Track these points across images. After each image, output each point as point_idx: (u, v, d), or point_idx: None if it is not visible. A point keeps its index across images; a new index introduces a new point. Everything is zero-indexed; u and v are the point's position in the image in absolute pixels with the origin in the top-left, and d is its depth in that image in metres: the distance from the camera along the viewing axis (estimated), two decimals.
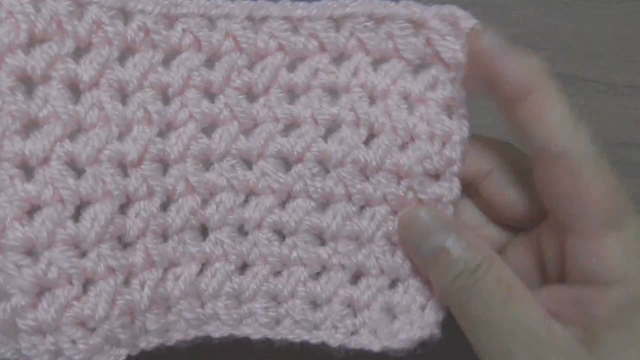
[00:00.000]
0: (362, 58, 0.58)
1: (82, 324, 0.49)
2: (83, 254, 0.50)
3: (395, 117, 0.55)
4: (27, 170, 0.49)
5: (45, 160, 0.49)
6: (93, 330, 0.50)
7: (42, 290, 0.48)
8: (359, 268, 0.57)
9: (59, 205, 0.49)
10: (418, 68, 0.56)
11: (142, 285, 0.53)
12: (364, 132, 0.56)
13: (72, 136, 0.50)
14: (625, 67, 0.77)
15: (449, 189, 0.56)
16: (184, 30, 0.56)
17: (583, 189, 0.46)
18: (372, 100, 0.55)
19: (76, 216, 0.50)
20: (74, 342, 0.49)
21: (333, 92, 0.57)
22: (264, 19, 0.56)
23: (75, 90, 0.51)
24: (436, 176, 0.56)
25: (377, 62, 0.58)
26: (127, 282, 0.52)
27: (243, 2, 0.56)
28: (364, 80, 0.57)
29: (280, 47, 0.55)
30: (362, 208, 0.57)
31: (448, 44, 0.53)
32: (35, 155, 0.48)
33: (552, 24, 0.77)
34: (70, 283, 0.49)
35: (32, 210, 0.48)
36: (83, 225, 0.50)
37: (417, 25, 0.54)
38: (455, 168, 0.56)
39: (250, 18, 0.56)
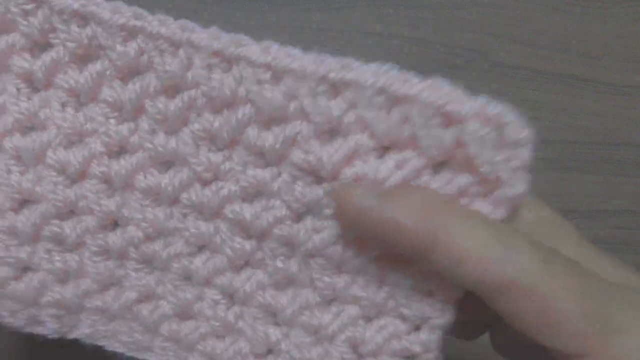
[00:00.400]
0: (363, 140, 0.46)
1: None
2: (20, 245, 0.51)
3: None
4: None
5: None
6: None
7: None
8: None
9: (1, 195, 0.50)
10: (438, 168, 0.45)
11: (76, 289, 0.53)
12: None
13: (25, 132, 0.50)
14: (625, 67, 0.76)
15: (441, 310, 0.47)
16: (141, 48, 0.48)
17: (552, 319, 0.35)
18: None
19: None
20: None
21: (315, 175, 0.47)
22: (236, 58, 0.46)
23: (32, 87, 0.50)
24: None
25: (384, 150, 0.46)
26: (63, 282, 0.53)
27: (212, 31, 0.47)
28: (361, 172, 0.46)
29: (251, 100, 0.47)
30: (327, 302, 0.51)
31: (489, 154, 0.41)
32: None
33: (552, 24, 0.75)
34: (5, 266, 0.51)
35: None
36: (19, 219, 0.51)
37: (447, 117, 0.43)
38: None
39: (217, 54, 0.46)
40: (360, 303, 0.49)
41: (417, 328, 0.49)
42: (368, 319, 0.50)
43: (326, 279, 0.50)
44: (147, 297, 0.55)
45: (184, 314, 0.54)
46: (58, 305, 0.55)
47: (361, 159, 0.46)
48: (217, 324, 0.53)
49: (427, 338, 0.48)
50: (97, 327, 0.56)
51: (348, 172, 0.46)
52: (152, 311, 0.55)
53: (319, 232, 0.48)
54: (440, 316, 0.48)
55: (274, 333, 0.52)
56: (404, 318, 0.49)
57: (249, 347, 0.53)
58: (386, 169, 0.45)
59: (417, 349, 0.49)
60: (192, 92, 0.48)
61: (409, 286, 0.48)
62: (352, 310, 0.50)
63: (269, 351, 0.53)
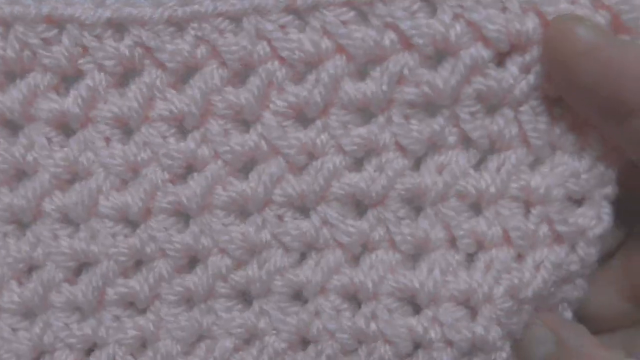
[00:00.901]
0: (479, 53, 0.41)
1: None
2: (84, 319, 0.46)
3: (531, 126, 0.41)
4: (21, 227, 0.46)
5: (36, 215, 0.45)
6: None
7: (40, 354, 0.46)
8: (476, 343, 0.43)
9: (53, 267, 0.45)
10: None
11: (155, 356, 0.46)
12: (474, 153, 0.43)
13: (68, 186, 0.45)
14: None
15: (597, 217, 0.42)
16: (196, 37, 0.43)
17: None
18: (490, 110, 0.42)
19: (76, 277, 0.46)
20: None
21: (428, 106, 0.42)
22: (311, 8, 0.41)
23: (66, 129, 0.45)
24: (579, 201, 0.42)
25: (502, 57, 0.42)
26: (142, 349, 0.46)
27: None
28: (482, 87, 0.41)
29: (340, 48, 0.42)
30: (469, 256, 0.43)
31: None
32: (23, 211, 0.45)
33: None
34: (70, 349, 0.46)
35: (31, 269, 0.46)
36: (79, 289, 0.45)
37: None
38: (609, 189, 0.43)
39: (289, 10, 0.42)
40: (510, 239, 0.42)
41: (573, 248, 0.42)
42: (521, 258, 0.42)
43: (465, 225, 0.43)
44: (248, 338, 0.46)
45: (300, 341, 0.45)
46: None
47: (480, 74, 0.40)
48: (345, 336, 0.44)
49: (586, 252, 0.42)
50: None
51: (469, 90, 0.41)
52: (260, 354, 0.45)
53: (445, 167, 0.42)
54: (597, 224, 0.42)
55: (419, 323, 0.43)
56: (559, 240, 0.42)
57: (392, 351, 0.44)
58: (510, 75, 0.40)
59: (575, 267, 0.42)
60: (269, 65, 0.42)
61: (562, 196, 0.41)
62: (502, 253, 0.42)
63: (417, 346, 0.44)
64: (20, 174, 0.45)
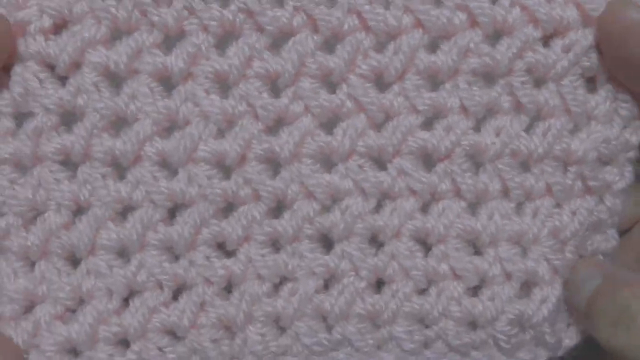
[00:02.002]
0: (531, 33, 0.49)
1: (169, 331, 0.48)
2: (176, 258, 0.48)
3: (571, 97, 0.50)
4: (120, 169, 0.49)
5: (136, 159, 0.48)
6: (180, 339, 0.48)
7: (132, 292, 0.48)
8: (529, 276, 0.50)
9: (151, 207, 0.48)
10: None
11: (242, 297, 0.48)
12: (525, 119, 0.50)
13: (166, 133, 0.49)
14: None
15: (620, 174, 0.51)
16: (295, 8, 0.48)
17: None
18: (537, 82, 0.49)
19: (171, 218, 0.49)
20: (160, 349, 0.48)
21: (487, 77, 0.50)
22: None
23: (168, 84, 0.49)
24: (606, 161, 0.51)
25: (549, 38, 0.50)
26: (226, 292, 0.49)
27: None
28: (532, 61, 0.49)
29: (418, 23, 0.49)
30: (520, 205, 0.51)
31: None
32: (125, 155, 0.47)
33: None
34: (161, 288, 0.48)
35: (126, 210, 0.48)
36: (175, 230, 0.48)
37: None
38: (631, 154, 0.50)
39: None
40: (552, 191, 0.50)
41: (601, 199, 0.51)
42: (560, 207, 0.51)
43: (517, 178, 0.50)
44: (329, 279, 0.50)
45: (377, 281, 0.50)
46: (220, 323, 0.49)
47: (531, 50, 0.49)
48: (419, 274, 0.49)
49: (612, 203, 0.51)
50: (267, 342, 0.49)
51: (521, 63, 0.49)
52: (340, 294, 0.49)
53: (501, 129, 0.50)
54: (620, 179, 0.51)
55: (484, 260, 0.50)
56: (590, 192, 0.51)
57: (461, 286, 0.50)
58: (554, 53, 0.49)
59: (604, 216, 0.51)
60: (357, 35, 0.49)
61: (594, 158, 0.50)
62: (547, 202, 0.50)
63: (482, 281, 0.50)
64: (122, 122, 0.48)
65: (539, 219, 0.50)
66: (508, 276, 0.50)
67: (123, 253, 0.48)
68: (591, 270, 0.49)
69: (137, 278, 0.48)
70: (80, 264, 0.48)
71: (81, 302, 0.48)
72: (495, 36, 0.49)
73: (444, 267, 0.50)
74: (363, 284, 0.49)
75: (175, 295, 0.49)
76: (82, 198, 0.47)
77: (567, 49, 0.49)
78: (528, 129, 0.50)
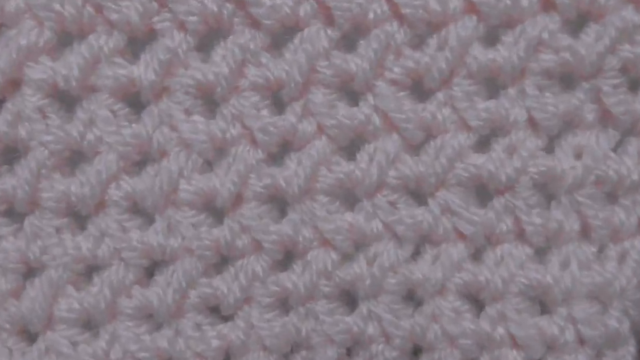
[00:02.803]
0: (630, 17, 0.37)
1: None
2: (158, 328, 0.41)
3: None
4: (80, 219, 0.40)
5: (99, 206, 0.39)
6: None
7: None
8: (608, 339, 0.40)
9: (121, 266, 0.39)
10: None
11: None
12: (614, 135, 0.39)
13: (136, 169, 0.39)
14: None
15: None
16: None
17: None
18: (633, 85, 0.38)
19: (149, 278, 0.41)
20: None
21: (566, 79, 0.39)
22: None
23: (136, 103, 0.39)
24: None
25: None
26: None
27: None
28: (630, 56, 0.37)
29: (471, 8, 0.37)
30: (603, 247, 0.40)
31: None
32: (84, 200, 0.39)
33: None
34: None
35: (91, 270, 0.40)
36: (154, 293, 0.39)
37: None
38: None
39: None
40: None
41: None
42: None
43: (602, 213, 0.39)
44: (351, 347, 0.40)
45: (414, 348, 0.41)
46: None
47: (629, 41, 0.37)
48: (467, 342, 0.39)
49: None
50: None
51: (614, 60, 0.37)
52: None
53: (584, 149, 0.38)
54: None
55: (552, 322, 0.39)
56: None
57: (522, 356, 0.40)
58: None
59: None
60: (387, 27, 0.37)
61: None
62: (638, 243, 0.39)
63: (550, 349, 0.39)
64: (77, 157, 0.38)
65: (629, 265, 0.39)
66: (582, 342, 0.39)
67: (90, 325, 0.39)
68: None
69: (111, 356, 0.39)
70: (37, 340, 0.39)
71: None
72: (578, 22, 0.38)
73: (500, 332, 0.39)
74: (395, 354, 0.40)
75: None
76: (31, 257, 0.38)
77: None
78: (617, 148, 0.39)
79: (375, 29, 0.37)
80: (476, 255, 0.40)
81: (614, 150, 0.39)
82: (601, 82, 0.37)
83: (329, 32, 0.37)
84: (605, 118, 0.38)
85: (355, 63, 0.37)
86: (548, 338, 0.39)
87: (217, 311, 0.40)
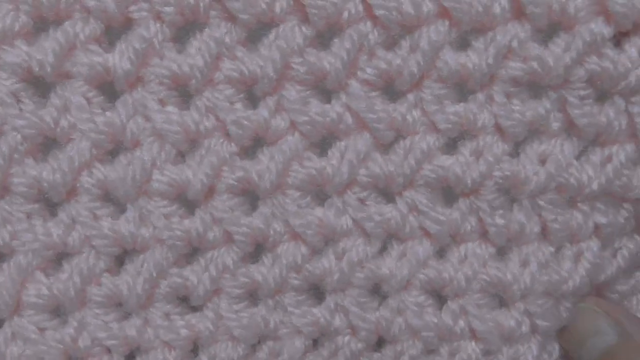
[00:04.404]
0: (599, 29, 0.37)
1: None
2: (126, 317, 0.40)
3: None
4: (51, 205, 0.39)
5: (71, 193, 0.38)
6: None
7: None
8: (559, 329, 0.42)
9: (92, 254, 0.38)
10: None
11: None
12: (578, 144, 0.39)
13: (109, 158, 0.39)
14: None
15: None
16: None
17: None
18: (599, 97, 0.39)
19: (119, 266, 0.40)
20: None
21: (533, 87, 0.39)
22: None
23: (111, 91, 0.38)
24: None
25: (622, 37, 0.38)
26: (193, 353, 0.40)
27: None
28: (597, 69, 0.37)
29: (444, 12, 0.37)
30: (561, 249, 0.41)
31: None
32: (55, 187, 0.38)
33: None
34: (108, 355, 0.39)
35: (61, 257, 0.39)
36: (124, 282, 0.39)
37: None
38: None
39: None
40: (600, 232, 0.40)
41: None
42: (604, 248, 0.41)
43: (561, 217, 0.40)
44: (317, 339, 0.41)
45: (379, 340, 0.41)
46: None
47: (596, 53, 0.37)
48: (430, 334, 0.40)
49: None
50: None
51: (581, 71, 0.37)
52: (332, 356, 0.41)
53: (550, 155, 0.39)
54: None
55: (510, 316, 0.40)
56: None
57: (480, 348, 0.41)
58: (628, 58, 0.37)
59: None
60: (361, 27, 0.37)
61: None
62: (593, 244, 0.40)
63: (507, 340, 0.41)
64: (50, 143, 0.38)
65: (581, 265, 0.40)
66: (535, 332, 0.41)
67: (58, 312, 0.39)
68: (608, 324, 0.40)
69: (79, 343, 0.38)
70: (3, 326, 0.39)
71: None
72: (549, 32, 0.38)
73: (461, 326, 0.40)
74: (360, 346, 0.40)
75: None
76: (0, 242, 0.38)
77: None
78: (579, 156, 0.39)
79: (349, 29, 0.37)
80: (441, 253, 0.41)
81: (577, 158, 0.39)
82: (567, 92, 0.38)
83: (304, 29, 0.37)
84: (571, 127, 0.39)
85: (329, 61, 0.37)
86: (505, 331, 0.40)
87: (186, 301, 0.40)
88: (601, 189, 0.39)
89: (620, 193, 0.39)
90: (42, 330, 0.38)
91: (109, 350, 0.39)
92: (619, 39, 0.37)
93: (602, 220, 0.39)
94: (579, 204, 0.40)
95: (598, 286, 0.42)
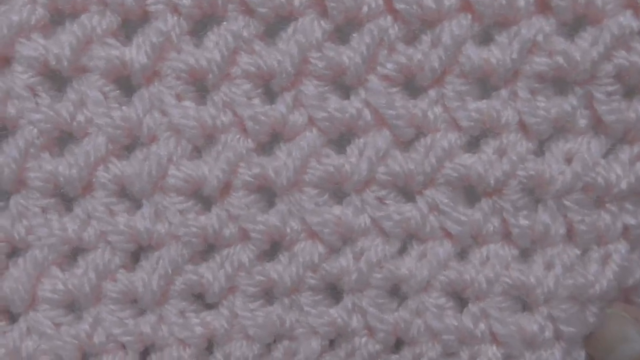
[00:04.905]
0: (628, 23, 0.36)
1: None
2: (141, 313, 0.40)
3: None
4: (67, 200, 0.39)
5: (87, 188, 0.38)
6: None
7: (86, 356, 0.40)
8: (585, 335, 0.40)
9: (107, 249, 0.38)
10: None
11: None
12: (605, 142, 0.38)
13: (125, 153, 0.38)
14: None
15: None
16: None
17: None
18: (628, 92, 0.38)
19: (134, 263, 0.40)
20: None
21: (559, 83, 0.38)
22: None
23: (127, 86, 0.38)
24: None
25: None
26: (208, 351, 0.40)
27: None
28: (625, 64, 0.36)
29: (466, 6, 0.36)
30: (587, 251, 0.39)
31: None
32: (71, 182, 0.37)
33: None
34: (124, 351, 0.39)
35: (76, 252, 0.39)
36: (139, 278, 0.38)
37: None
38: None
39: None
40: (629, 234, 0.38)
41: None
42: (635, 251, 0.39)
43: (588, 218, 0.38)
44: (337, 338, 0.40)
45: (397, 342, 0.40)
46: None
47: (625, 47, 0.36)
48: (450, 337, 0.39)
49: None
50: None
51: (609, 66, 0.36)
52: (348, 357, 0.40)
53: (576, 153, 0.37)
54: None
55: (533, 321, 0.39)
56: None
57: (501, 352, 0.39)
58: None
59: None
60: (381, 22, 0.36)
61: None
62: (621, 247, 0.39)
63: (529, 345, 0.39)
64: (66, 137, 0.38)
65: (609, 268, 0.38)
66: (558, 337, 0.39)
67: (73, 307, 0.39)
68: (630, 330, 0.39)
69: (94, 339, 0.38)
70: (19, 320, 0.38)
71: None
72: (574, 26, 0.36)
73: (481, 329, 0.39)
74: (378, 347, 0.39)
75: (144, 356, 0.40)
76: (16, 237, 0.37)
77: None
78: (608, 154, 0.38)
79: (368, 23, 0.36)
80: (462, 254, 0.40)
81: (605, 156, 0.38)
82: (595, 88, 0.36)
83: (323, 23, 0.36)
84: (598, 124, 0.38)
85: (348, 56, 0.36)
86: (528, 335, 0.39)
87: (201, 298, 0.39)
88: (630, 188, 0.37)
89: None
90: (57, 325, 0.38)
91: (123, 347, 0.38)
92: None
93: (631, 221, 0.38)
94: (607, 205, 0.38)
95: (626, 291, 0.40)
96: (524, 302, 0.40)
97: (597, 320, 0.39)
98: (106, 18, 0.36)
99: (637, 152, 0.37)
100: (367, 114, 0.37)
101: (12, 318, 0.39)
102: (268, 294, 0.39)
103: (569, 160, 0.38)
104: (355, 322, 0.39)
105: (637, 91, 0.37)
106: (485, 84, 0.38)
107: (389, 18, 0.36)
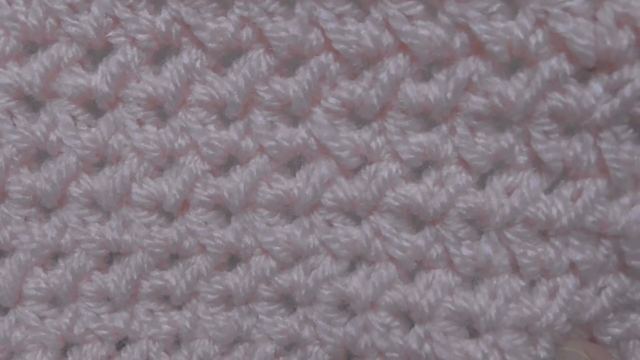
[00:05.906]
0: (561, 66, 0.35)
1: None
2: (116, 309, 0.44)
3: (612, 156, 0.36)
4: (45, 209, 0.43)
5: (62, 200, 0.42)
6: None
7: (68, 345, 0.44)
8: None
9: (82, 254, 0.43)
10: None
11: (191, 355, 0.43)
12: (546, 178, 0.38)
13: (96, 169, 0.42)
14: None
15: None
16: (241, 18, 0.37)
17: None
18: (567, 131, 0.37)
19: (109, 265, 0.44)
20: None
21: (496, 120, 0.38)
22: None
23: (93, 107, 0.41)
24: None
25: (585, 72, 0.36)
26: (177, 346, 0.44)
27: None
28: (559, 105, 0.36)
29: (404, 46, 0.37)
30: (535, 283, 0.40)
31: None
32: (47, 195, 0.41)
33: None
34: (101, 342, 0.44)
35: (57, 254, 0.44)
36: (111, 280, 0.43)
37: None
38: None
39: None
40: (576, 269, 0.39)
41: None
42: (584, 285, 0.39)
43: (530, 252, 0.39)
44: (289, 345, 0.43)
45: (346, 355, 0.43)
46: None
47: (558, 90, 0.36)
48: (394, 355, 0.41)
49: None
50: None
51: (544, 106, 0.36)
52: None
53: (516, 188, 0.38)
54: None
55: (477, 348, 0.40)
56: (626, 271, 0.39)
57: None
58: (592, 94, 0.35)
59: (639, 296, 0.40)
60: (322, 58, 0.37)
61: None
62: (570, 281, 0.39)
63: None
64: (42, 155, 0.41)
65: (557, 302, 0.39)
66: None
67: (56, 302, 0.43)
68: None
69: (74, 331, 0.43)
70: (8, 313, 0.43)
71: (12, 355, 0.44)
72: (511, 66, 0.36)
73: (426, 350, 0.41)
74: (328, 357, 0.42)
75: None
76: (1, 241, 0.42)
77: (612, 89, 0.35)
78: (550, 190, 0.38)
79: (311, 60, 0.37)
80: (409, 277, 0.41)
81: (549, 191, 0.38)
82: (532, 127, 0.36)
83: (269, 58, 0.38)
84: (538, 161, 0.37)
85: (293, 90, 0.38)
86: None
87: (169, 299, 0.43)
88: (571, 224, 0.37)
89: (595, 229, 0.38)
90: (42, 318, 0.43)
91: (101, 339, 0.43)
92: (584, 75, 0.35)
93: (576, 256, 0.38)
94: (551, 239, 0.38)
95: (589, 329, 0.40)
96: (473, 328, 0.41)
97: (548, 355, 0.39)
98: (72, 48, 0.39)
99: (579, 189, 0.37)
100: (313, 142, 0.39)
101: (3, 311, 0.43)
102: (227, 301, 0.43)
103: (509, 194, 0.38)
104: (307, 332, 0.42)
105: (576, 130, 0.36)
106: (427, 117, 0.38)
107: (330, 55, 0.37)
